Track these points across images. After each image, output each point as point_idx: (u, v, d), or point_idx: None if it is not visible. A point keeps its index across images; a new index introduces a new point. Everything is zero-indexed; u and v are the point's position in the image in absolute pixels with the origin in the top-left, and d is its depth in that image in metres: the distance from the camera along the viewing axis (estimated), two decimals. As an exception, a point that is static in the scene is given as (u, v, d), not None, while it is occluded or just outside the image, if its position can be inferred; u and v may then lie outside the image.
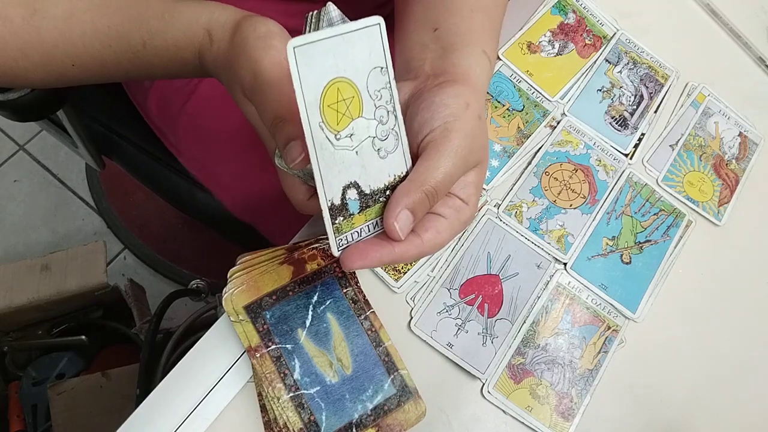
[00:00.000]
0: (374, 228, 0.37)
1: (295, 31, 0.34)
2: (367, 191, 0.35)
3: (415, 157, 0.37)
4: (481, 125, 0.39)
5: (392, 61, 0.35)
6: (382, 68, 0.34)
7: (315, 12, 0.36)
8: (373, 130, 0.35)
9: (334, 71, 0.32)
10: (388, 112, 0.35)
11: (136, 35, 0.40)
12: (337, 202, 0.34)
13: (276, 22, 0.38)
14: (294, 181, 0.39)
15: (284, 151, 0.35)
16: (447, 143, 0.36)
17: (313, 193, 0.38)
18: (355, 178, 0.35)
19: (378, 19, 0.33)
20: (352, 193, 0.35)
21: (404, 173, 0.37)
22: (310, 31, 0.34)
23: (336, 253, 0.35)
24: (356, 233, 0.36)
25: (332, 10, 0.36)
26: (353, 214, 0.35)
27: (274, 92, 0.35)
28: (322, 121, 0.32)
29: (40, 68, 0.41)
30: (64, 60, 0.41)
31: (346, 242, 0.36)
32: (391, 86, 0.35)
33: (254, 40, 0.36)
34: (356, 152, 0.34)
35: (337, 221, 0.34)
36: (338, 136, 0.33)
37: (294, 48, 0.30)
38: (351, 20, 0.33)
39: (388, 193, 0.36)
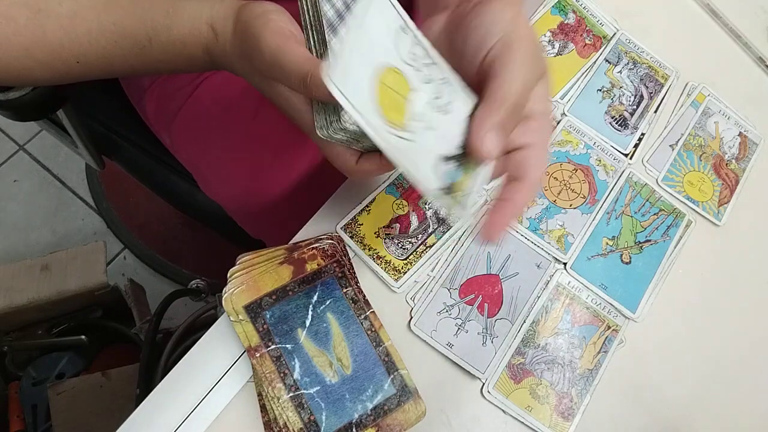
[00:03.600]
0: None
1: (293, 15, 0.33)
2: (457, 152, 0.34)
3: (476, 84, 0.35)
4: (534, 31, 0.37)
5: (415, 3, 0.33)
6: (402, 27, 0.33)
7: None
8: (427, 94, 0.33)
9: (370, 65, 0.30)
10: (427, 66, 0.33)
11: (141, 32, 0.40)
12: (442, 184, 0.33)
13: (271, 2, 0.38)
14: (339, 150, 0.38)
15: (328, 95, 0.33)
16: (513, 54, 0.34)
17: (360, 154, 0.38)
18: (440, 152, 0.33)
19: None
20: (448, 166, 0.33)
21: (474, 106, 0.35)
22: (306, 15, 0.32)
23: (472, 220, 0.35)
24: (472, 190, 0.35)
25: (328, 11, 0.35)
26: (459, 181, 0.34)
27: (288, 55, 0.35)
28: (387, 122, 0.31)
29: (45, 66, 0.41)
30: (70, 58, 0.41)
31: (473, 204, 0.35)
32: (418, 38, 0.33)
33: (254, 20, 0.37)
34: (428, 127, 0.33)
35: (454, 196, 0.34)
36: (407, 127, 0.32)
37: (329, 74, 0.28)
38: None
39: None
